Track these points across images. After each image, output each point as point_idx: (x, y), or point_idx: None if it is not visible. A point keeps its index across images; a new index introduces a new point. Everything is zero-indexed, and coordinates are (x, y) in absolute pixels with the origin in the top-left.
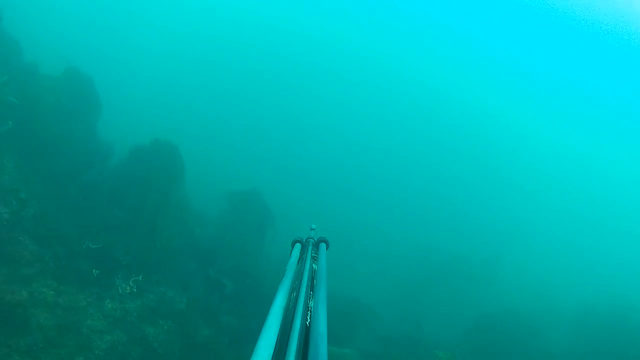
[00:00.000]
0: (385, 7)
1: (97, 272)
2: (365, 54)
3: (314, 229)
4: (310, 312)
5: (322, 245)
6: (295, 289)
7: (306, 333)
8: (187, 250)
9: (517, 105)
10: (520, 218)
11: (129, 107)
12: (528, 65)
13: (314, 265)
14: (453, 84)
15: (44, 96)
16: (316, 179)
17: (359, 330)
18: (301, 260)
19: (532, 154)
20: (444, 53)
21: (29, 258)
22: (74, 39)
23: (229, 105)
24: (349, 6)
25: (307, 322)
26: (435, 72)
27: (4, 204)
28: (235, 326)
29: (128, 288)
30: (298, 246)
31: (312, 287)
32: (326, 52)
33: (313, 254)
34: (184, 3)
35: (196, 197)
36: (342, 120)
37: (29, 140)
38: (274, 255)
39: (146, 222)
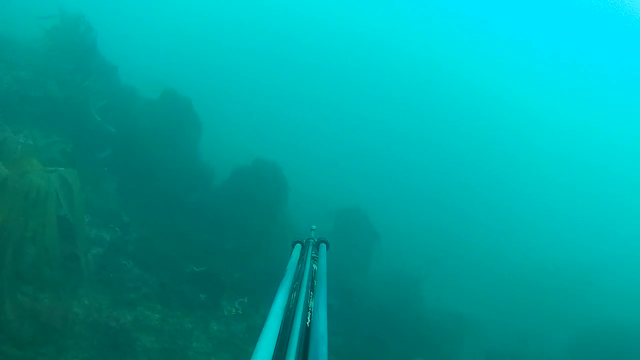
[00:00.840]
0: None
1: (202, 295)
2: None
3: (314, 229)
4: (311, 312)
5: (323, 246)
6: (295, 289)
7: (306, 333)
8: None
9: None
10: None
11: (226, 126)
12: (552, 51)
13: (315, 266)
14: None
15: (143, 119)
16: (420, 194)
17: (464, 347)
18: (301, 260)
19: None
20: (464, 35)
21: (133, 283)
22: (168, 60)
23: (328, 119)
24: None
25: (308, 323)
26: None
27: (107, 229)
28: (342, 346)
29: (234, 310)
30: (298, 246)
31: (312, 287)
32: None
33: (313, 254)
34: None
35: (299, 216)
36: (441, 132)
37: (129, 164)
38: (380, 273)
39: (251, 244)
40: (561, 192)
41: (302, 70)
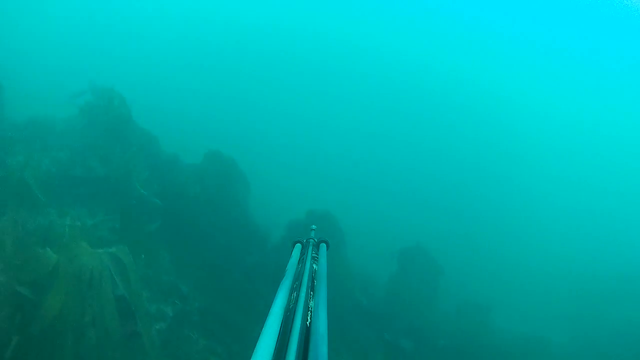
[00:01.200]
0: None
1: None
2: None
3: (314, 229)
4: (311, 312)
5: (323, 246)
6: (295, 289)
7: (306, 333)
8: (360, 319)
9: None
10: None
11: (273, 179)
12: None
13: (315, 266)
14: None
15: (188, 185)
16: (476, 224)
17: None
18: (301, 260)
19: None
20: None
21: (201, 354)
22: (205, 122)
23: (379, 162)
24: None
25: (308, 323)
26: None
27: (167, 302)
28: None
29: None
30: (298, 247)
31: (312, 287)
32: None
33: (313, 255)
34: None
35: (360, 260)
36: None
37: (180, 233)
38: (445, 306)
39: None
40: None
41: (342, 114)
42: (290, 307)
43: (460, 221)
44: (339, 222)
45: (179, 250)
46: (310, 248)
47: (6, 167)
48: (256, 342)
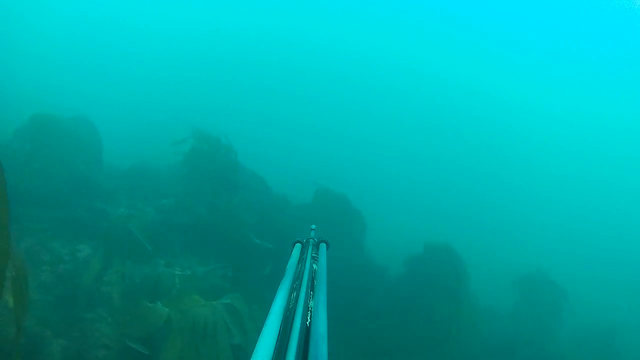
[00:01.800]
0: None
1: None
2: None
3: (314, 229)
4: (311, 312)
5: (323, 246)
6: (295, 289)
7: (306, 333)
8: (485, 354)
9: None
10: None
11: (385, 214)
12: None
13: (315, 266)
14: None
15: (300, 226)
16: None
17: None
18: (301, 260)
19: None
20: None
21: None
22: (313, 160)
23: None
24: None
25: (308, 323)
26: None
27: None
28: None
29: None
30: (298, 246)
31: (312, 287)
32: None
33: (313, 254)
34: None
35: (484, 293)
36: None
37: None
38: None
39: (439, 333)
40: None
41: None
42: (290, 307)
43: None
44: (460, 254)
45: None
46: (310, 248)
47: (110, 218)
48: (256, 341)
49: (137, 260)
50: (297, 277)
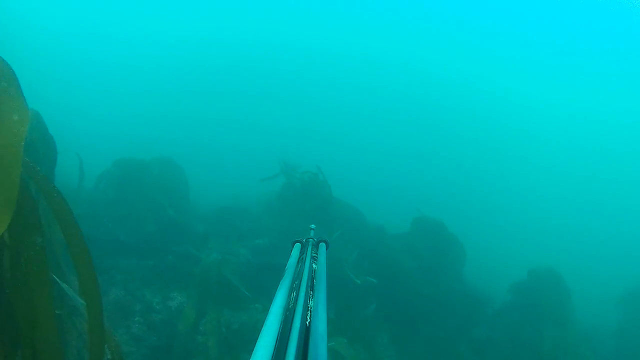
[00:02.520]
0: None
1: None
2: None
3: (313, 229)
4: (310, 312)
5: (322, 245)
6: (295, 289)
7: (306, 333)
8: None
9: None
10: None
11: (485, 241)
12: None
13: (314, 265)
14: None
15: (400, 258)
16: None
17: None
18: (301, 260)
19: None
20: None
21: None
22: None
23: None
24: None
25: (307, 322)
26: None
27: None
28: None
29: None
30: (298, 246)
31: (312, 287)
32: None
33: (313, 254)
34: None
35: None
36: None
37: (398, 311)
38: None
39: None
40: None
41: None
42: (290, 306)
43: None
44: (565, 280)
45: (397, 330)
46: (310, 248)
47: (202, 264)
48: (256, 341)
49: (233, 307)
50: (297, 277)
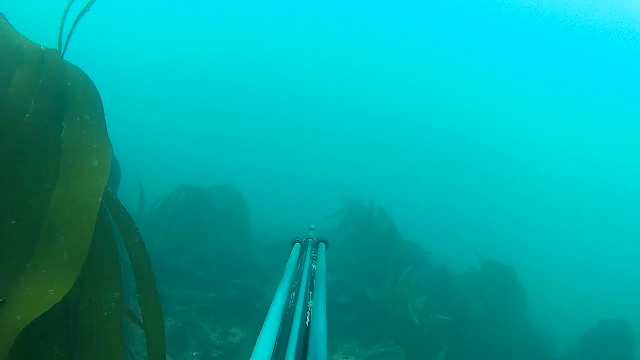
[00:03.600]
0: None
1: None
2: None
3: (313, 229)
4: (310, 312)
5: (322, 246)
6: (294, 289)
7: (306, 333)
8: None
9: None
10: None
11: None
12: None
13: (314, 265)
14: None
15: (469, 302)
16: None
17: None
18: (301, 260)
19: None
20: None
21: None
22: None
23: None
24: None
25: (307, 322)
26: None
27: None
28: None
29: None
30: (298, 246)
31: (311, 287)
32: None
33: (313, 254)
34: None
35: None
36: None
37: (468, 356)
38: None
39: None
40: None
41: None
42: (290, 306)
43: None
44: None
45: None
46: (310, 248)
47: (264, 299)
48: (256, 341)
49: None
50: (297, 277)
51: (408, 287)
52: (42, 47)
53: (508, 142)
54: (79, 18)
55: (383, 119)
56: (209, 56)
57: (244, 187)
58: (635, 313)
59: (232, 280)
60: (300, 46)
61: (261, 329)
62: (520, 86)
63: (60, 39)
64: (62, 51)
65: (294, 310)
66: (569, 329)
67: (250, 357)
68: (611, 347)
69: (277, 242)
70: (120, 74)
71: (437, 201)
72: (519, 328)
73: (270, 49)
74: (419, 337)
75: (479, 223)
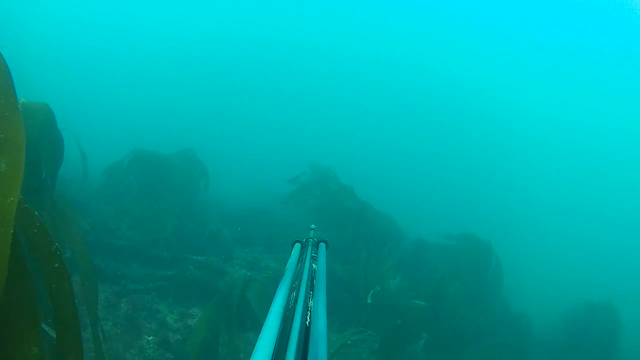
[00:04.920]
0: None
1: None
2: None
3: (313, 229)
4: (310, 312)
5: (322, 245)
6: (295, 288)
7: (306, 333)
8: None
9: None
10: None
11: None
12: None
13: (314, 265)
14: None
15: (445, 280)
16: None
17: None
18: (301, 260)
19: None
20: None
21: None
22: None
23: None
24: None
25: (307, 322)
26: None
27: None
28: None
29: None
30: (298, 246)
31: (311, 287)
32: None
33: (313, 254)
34: None
35: None
36: None
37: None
38: None
39: None
40: None
41: None
42: (290, 306)
43: None
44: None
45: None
46: (310, 248)
47: (226, 279)
48: (256, 341)
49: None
50: (297, 277)
51: (382, 267)
52: None
53: (488, 108)
54: None
55: (351, 84)
56: (169, 21)
57: (205, 153)
58: (617, 292)
59: (191, 257)
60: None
61: (261, 328)
62: (495, 48)
63: None
64: None
65: (294, 310)
66: (548, 309)
67: (250, 356)
68: (595, 332)
69: (242, 211)
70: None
71: (415, 171)
72: (496, 309)
73: (227, 16)
74: (393, 324)
75: (456, 193)
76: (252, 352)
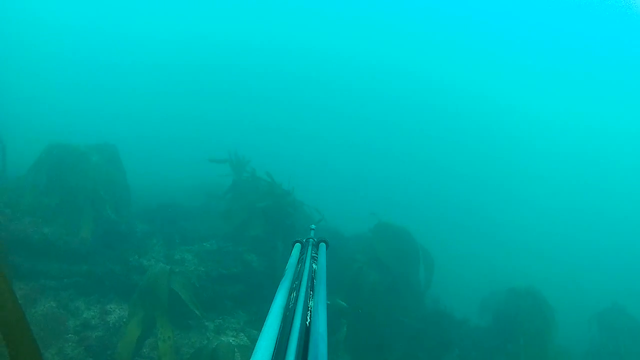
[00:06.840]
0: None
1: None
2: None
3: (313, 229)
4: (310, 312)
5: (322, 245)
6: (295, 289)
7: (306, 333)
8: None
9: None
10: None
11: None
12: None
13: (314, 265)
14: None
15: (365, 270)
16: None
17: None
18: (301, 260)
19: None
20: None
21: None
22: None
23: None
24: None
25: (307, 322)
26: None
27: None
28: None
29: None
30: (298, 246)
31: (312, 287)
32: None
33: (313, 254)
34: None
35: None
36: None
37: (365, 333)
38: None
39: None
40: None
41: None
42: (290, 306)
43: None
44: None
45: (364, 357)
46: (310, 248)
47: (148, 274)
48: (256, 341)
49: (184, 328)
50: (297, 277)
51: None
52: None
53: (480, 109)
54: None
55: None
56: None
57: (123, 146)
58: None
59: (107, 252)
60: None
61: (261, 328)
62: (494, 49)
63: None
64: None
65: (294, 310)
66: (473, 296)
67: (251, 357)
68: (521, 319)
69: (156, 208)
70: None
71: (334, 162)
72: (421, 299)
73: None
74: None
75: (377, 183)
76: (253, 352)
